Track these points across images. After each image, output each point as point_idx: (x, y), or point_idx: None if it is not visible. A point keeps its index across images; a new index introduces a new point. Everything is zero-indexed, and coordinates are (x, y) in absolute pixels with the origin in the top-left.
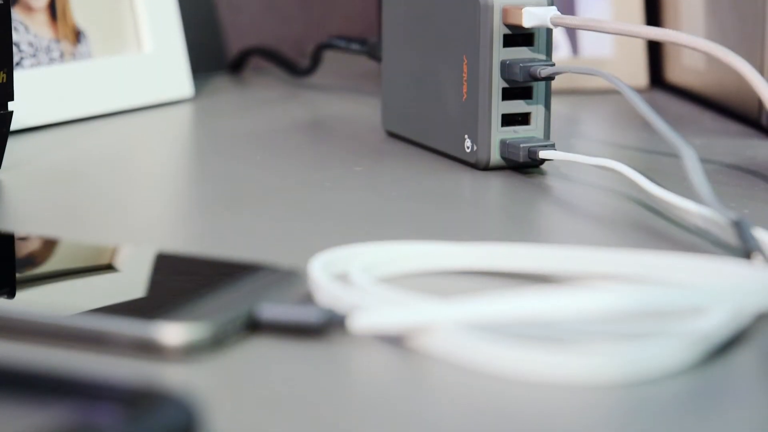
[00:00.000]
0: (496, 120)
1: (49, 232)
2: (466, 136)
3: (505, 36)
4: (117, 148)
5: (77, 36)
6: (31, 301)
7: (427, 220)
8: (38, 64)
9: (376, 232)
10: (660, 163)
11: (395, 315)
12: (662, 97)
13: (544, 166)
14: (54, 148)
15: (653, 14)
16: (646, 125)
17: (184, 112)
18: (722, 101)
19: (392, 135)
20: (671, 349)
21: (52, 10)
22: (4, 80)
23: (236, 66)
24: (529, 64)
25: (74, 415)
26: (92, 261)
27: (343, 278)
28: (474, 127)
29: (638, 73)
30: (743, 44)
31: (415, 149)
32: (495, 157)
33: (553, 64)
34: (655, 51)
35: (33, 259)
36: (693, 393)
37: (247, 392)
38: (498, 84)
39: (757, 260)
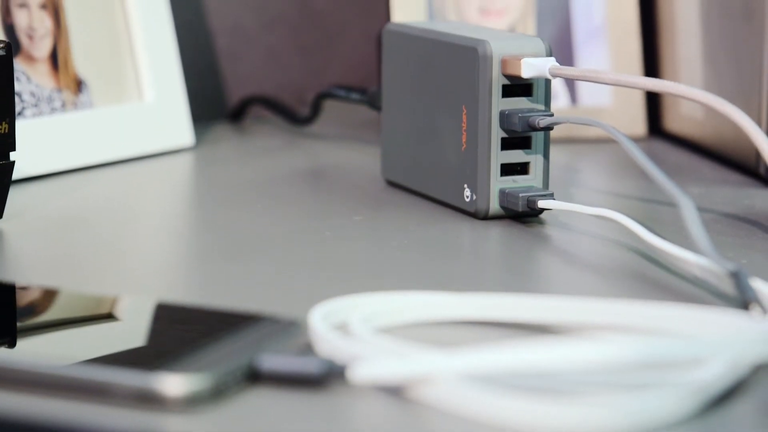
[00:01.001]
0: (495, 169)
1: (50, 281)
2: (465, 186)
3: (504, 86)
4: (118, 198)
5: (79, 86)
6: (31, 352)
7: (426, 270)
8: (40, 113)
9: (375, 282)
10: (658, 213)
11: (395, 365)
12: (661, 146)
13: (543, 216)
14: (55, 198)
15: (651, 64)
16: (644, 174)
17: (185, 161)
18: (720, 150)
19: (392, 184)
20: (670, 399)
21: (54, 60)
22: (6, 130)
23: (237, 115)
24: (528, 114)
25: None
26: (93, 311)
27: (343, 328)
28: (473, 176)
29: (637, 122)
30: (741, 94)
31: (414, 198)
32: (494, 206)
33: (552, 114)
34: (654, 100)
35: (34, 309)
36: None
37: None
38: (497, 134)
39: (755, 311)
